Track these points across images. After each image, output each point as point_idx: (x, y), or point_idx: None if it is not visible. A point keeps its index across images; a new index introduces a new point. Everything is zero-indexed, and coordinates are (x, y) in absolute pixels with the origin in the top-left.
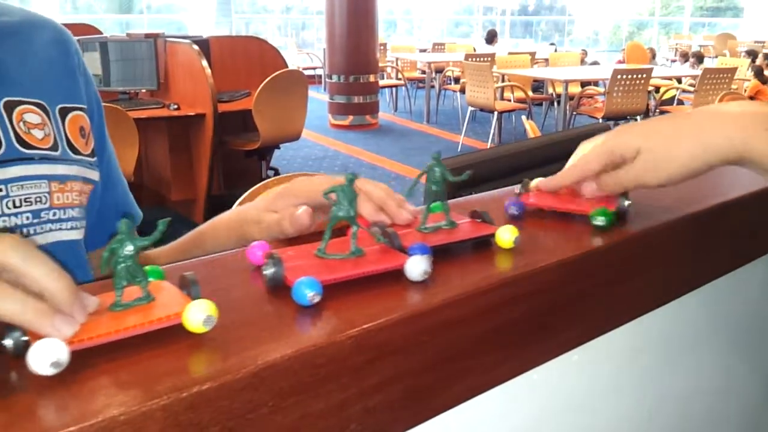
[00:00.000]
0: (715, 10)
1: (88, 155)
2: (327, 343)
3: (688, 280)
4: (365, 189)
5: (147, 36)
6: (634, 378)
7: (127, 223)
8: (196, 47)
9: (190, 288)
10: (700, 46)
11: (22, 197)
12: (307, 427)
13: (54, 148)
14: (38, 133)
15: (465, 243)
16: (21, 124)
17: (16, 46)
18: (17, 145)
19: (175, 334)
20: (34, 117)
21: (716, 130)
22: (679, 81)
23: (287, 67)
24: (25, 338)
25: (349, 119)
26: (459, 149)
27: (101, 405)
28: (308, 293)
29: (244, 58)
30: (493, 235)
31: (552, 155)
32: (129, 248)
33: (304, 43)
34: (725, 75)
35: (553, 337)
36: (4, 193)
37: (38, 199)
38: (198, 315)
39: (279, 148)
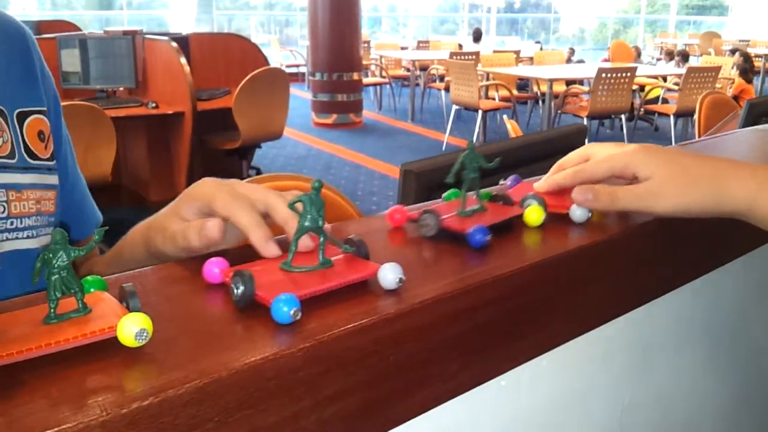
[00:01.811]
0: (700, 8)
1: (46, 159)
2: (277, 356)
3: (662, 283)
4: (271, 203)
5: (125, 33)
6: (606, 382)
7: (61, 232)
8: (174, 44)
9: (128, 300)
10: (686, 44)
11: None
12: None
13: (11, 155)
14: None
15: (500, 224)
16: None
17: None
18: None
19: (115, 347)
20: None
21: (733, 179)
22: (664, 80)
23: (268, 64)
24: None
25: (332, 117)
26: (443, 148)
27: (35, 422)
28: (289, 310)
29: (224, 56)
30: (521, 216)
31: (532, 156)
32: (63, 258)
33: (288, 40)
34: (709, 74)
35: (520, 343)
36: None
37: None
38: (131, 329)
39: (260, 147)
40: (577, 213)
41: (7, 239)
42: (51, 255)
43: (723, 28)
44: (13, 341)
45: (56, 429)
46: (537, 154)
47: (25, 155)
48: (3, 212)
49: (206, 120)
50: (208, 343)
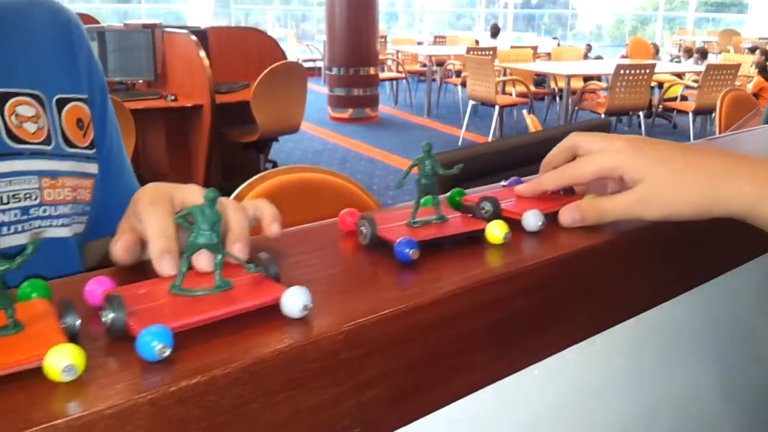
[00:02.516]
0: (719, 5)
1: (85, 147)
2: (319, 338)
3: (687, 278)
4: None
5: (145, 26)
6: (632, 375)
7: None
8: (194, 38)
9: (64, 317)
10: (704, 42)
11: (11, 193)
12: (299, 423)
13: (47, 142)
14: (30, 127)
15: (454, 238)
16: (13, 117)
17: (12, 34)
18: (7, 140)
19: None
20: (27, 109)
21: (731, 180)
22: (682, 77)
23: (286, 58)
24: None
25: (348, 112)
26: (460, 143)
27: (88, 399)
28: (156, 346)
29: (243, 50)
30: (483, 231)
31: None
32: None
33: (304, 35)
34: (729, 71)
35: (549, 334)
36: None
37: (27, 196)
38: (57, 362)
39: (277, 140)
40: (531, 222)
41: (40, 227)
42: None
43: (742, 26)
44: None
45: (108, 405)
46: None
47: (61, 142)
48: (35, 199)
49: (224, 113)
50: (252, 325)
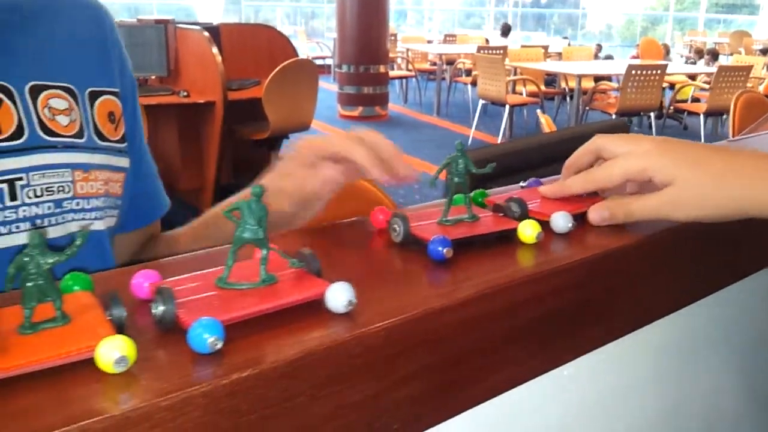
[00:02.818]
0: (730, 6)
1: (116, 141)
2: (363, 334)
3: (715, 279)
4: (371, 140)
5: (157, 22)
6: (658, 376)
7: (39, 234)
8: (206, 34)
9: (111, 310)
10: (715, 43)
11: (44, 186)
12: (341, 418)
13: (79, 135)
14: (63, 120)
15: (486, 237)
16: (46, 110)
17: (46, 27)
18: (40, 133)
19: None
20: (60, 102)
21: (763, 180)
22: (694, 78)
23: (297, 56)
24: None
25: (358, 110)
26: (469, 142)
27: (142, 391)
28: (208, 339)
29: (254, 47)
30: (515, 230)
31: (571, 150)
32: (40, 264)
33: (314, 32)
34: (741, 73)
35: (582, 334)
36: (25, 182)
37: (61, 189)
38: (109, 354)
39: (288, 138)
40: (560, 223)
41: (73, 220)
42: (27, 260)
43: (753, 27)
44: None
45: (163, 398)
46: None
47: (94, 135)
48: (68, 192)
49: (235, 110)
50: (296, 319)
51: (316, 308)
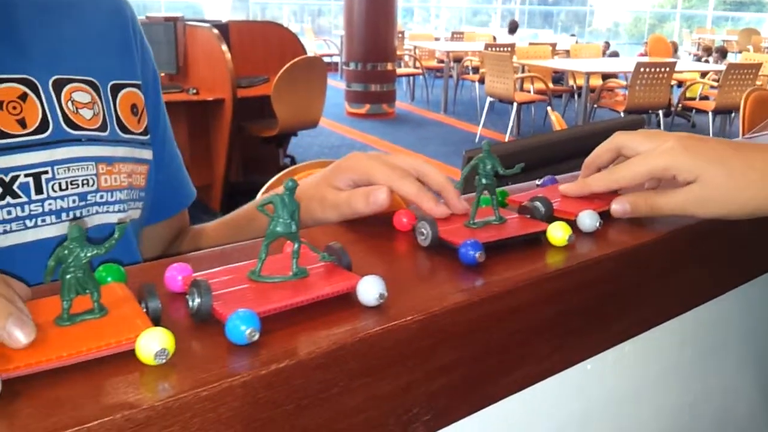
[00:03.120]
0: (738, 4)
1: (139, 134)
2: (394, 327)
3: (736, 275)
4: (424, 171)
5: (166, 19)
6: (679, 370)
7: (78, 227)
8: (215, 31)
9: (147, 303)
10: (723, 40)
11: (69, 180)
12: (373, 409)
13: (102, 128)
14: (87, 113)
15: (517, 239)
16: (69, 103)
17: (69, 20)
18: (64, 126)
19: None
20: (83, 96)
21: None
22: (703, 76)
23: (306, 53)
24: None
25: (365, 108)
26: (476, 140)
27: (182, 382)
28: (246, 330)
29: (263, 44)
30: (544, 232)
31: (585, 148)
32: (80, 257)
33: (320, 30)
34: (750, 71)
35: (606, 329)
36: (50, 175)
37: (85, 182)
38: (150, 347)
39: (296, 135)
40: (587, 222)
41: (97, 213)
42: (66, 253)
43: (762, 25)
44: (19, 351)
45: (203, 388)
46: (591, 147)
47: (117, 128)
48: (92, 185)
49: (244, 107)
50: (333, 312)
51: (346, 301)
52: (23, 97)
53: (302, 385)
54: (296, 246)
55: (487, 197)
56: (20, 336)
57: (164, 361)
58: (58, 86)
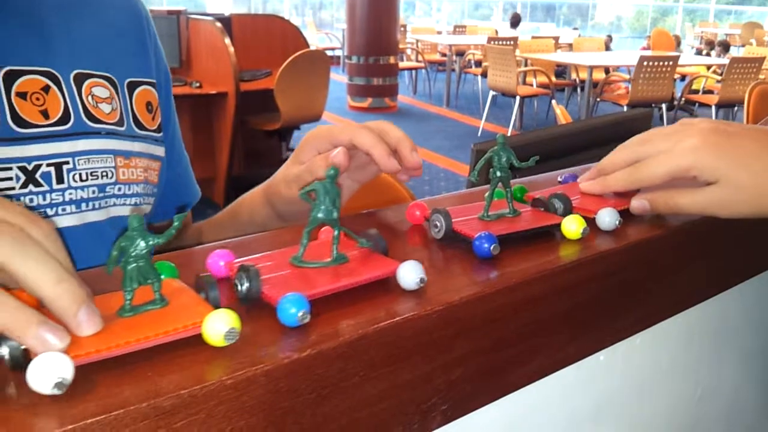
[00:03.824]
0: None
1: (153, 131)
2: (415, 317)
3: (745, 268)
4: (383, 128)
5: (169, 12)
6: (688, 363)
7: (139, 218)
8: (219, 25)
9: (207, 291)
10: (726, 34)
11: (89, 171)
12: (392, 398)
13: (120, 123)
14: (105, 108)
15: (531, 232)
16: (90, 97)
17: (89, 17)
18: (85, 119)
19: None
20: (102, 91)
21: None
22: (706, 70)
23: (309, 47)
24: (24, 347)
25: (368, 101)
26: (479, 134)
27: (208, 370)
28: (297, 313)
29: (266, 37)
30: (558, 225)
31: (593, 141)
32: (141, 246)
33: (321, 23)
34: (753, 64)
35: (619, 321)
36: (71, 166)
37: (104, 174)
38: (219, 327)
39: (299, 128)
40: (606, 220)
41: (115, 204)
42: (128, 243)
43: (765, 19)
44: (87, 338)
45: (228, 376)
46: (599, 140)
47: (133, 125)
48: (111, 177)
49: (247, 101)
50: (355, 302)
51: (374, 289)
52: (46, 89)
53: (323, 374)
54: (336, 232)
55: (499, 191)
56: (54, 341)
57: (233, 341)
58: (79, 81)
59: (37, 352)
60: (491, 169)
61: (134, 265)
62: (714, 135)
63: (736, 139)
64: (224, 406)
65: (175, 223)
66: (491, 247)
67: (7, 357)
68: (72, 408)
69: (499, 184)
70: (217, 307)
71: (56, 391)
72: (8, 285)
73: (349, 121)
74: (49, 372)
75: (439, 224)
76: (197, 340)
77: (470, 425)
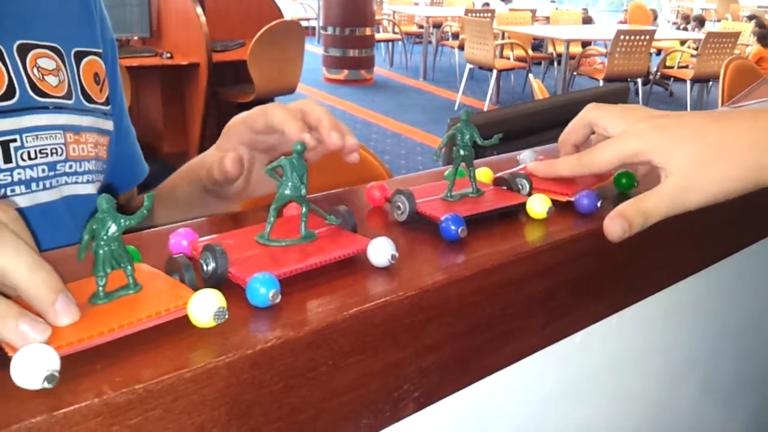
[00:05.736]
0: None
1: (102, 104)
2: (386, 303)
3: (718, 248)
4: (306, 108)
5: None
6: (663, 342)
7: (108, 198)
8: None
9: (183, 273)
10: (702, 9)
11: (38, 148)
12: (363, 387)
13: (68, 96)
14: (52, 80)
15: (497, 212)
16: (35, 69)
17: None
18: (31, 93)
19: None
20: (48, 62)
21: None
22: (682, 44)
23: (283, 17)
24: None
25: (344, 73)
26: (456, 107)
27: (168, 362)
28: (268, 293)
29: (239, 7)
30: (523, 205)
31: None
32: (113, 229)
33: None
34: (728, 40)
35: (594, 302)
36: (18, 143)
37: (54, 151)
38: (207, 308)
39: (273, 101)
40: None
41: (67, 183)
42: (99, 225)
43: None
44: (66, 328)
45: (186, 370)
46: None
47: (81, 97)
48: (61, 155)
49: (220, 72)
50: (324, 291)
51: (340, 278)
52: None
53: (291, 364)
54: (304, 209)
55: (462, 170)
56: (35, 335)
57: (223, 320)
58: (23, 51)
59: (17, 347)
60: (454, 148)
61: (106, 248)
62: (662, 118)
63: (686, 119)
64: (183, 401)
65: (146, 203)
66: (459, 230)
67: None
68: (15, 408)
69: (463, 162)
70: (195, 288)
71: (47, 385)
72: None
73: (319, 94)
74: (36, 366)
75: (402, 206)
76: (154, 330)
77: (444, 411)
